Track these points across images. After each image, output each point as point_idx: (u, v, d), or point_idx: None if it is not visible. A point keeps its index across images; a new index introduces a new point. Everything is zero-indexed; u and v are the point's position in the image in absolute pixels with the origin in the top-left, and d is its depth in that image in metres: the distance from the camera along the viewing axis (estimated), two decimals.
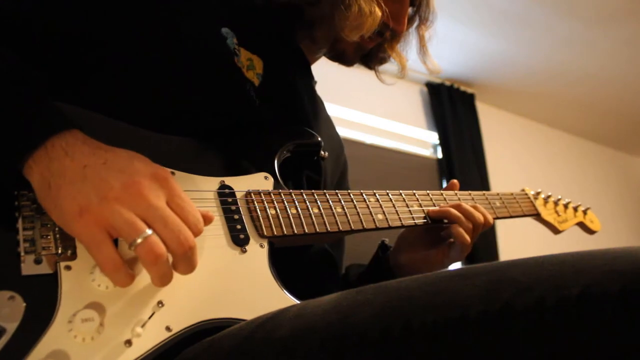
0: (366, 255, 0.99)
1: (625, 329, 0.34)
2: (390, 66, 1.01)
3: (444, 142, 3.41)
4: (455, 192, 0.93)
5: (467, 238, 0.85)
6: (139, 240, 0.47)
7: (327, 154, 0.84)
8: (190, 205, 0.52)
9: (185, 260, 0.51)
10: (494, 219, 0.93)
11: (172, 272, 0.51)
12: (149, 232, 0.47)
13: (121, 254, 0.48)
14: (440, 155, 3.42)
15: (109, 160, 0.51)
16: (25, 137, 0.50)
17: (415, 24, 0.95)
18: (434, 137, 3.48)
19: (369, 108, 3.20)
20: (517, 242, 2.88)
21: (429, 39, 0.97)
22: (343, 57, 0.91)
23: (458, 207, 0.86)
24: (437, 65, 0.98)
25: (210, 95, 0.73)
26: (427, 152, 3.46)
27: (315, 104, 0.95)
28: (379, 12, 0.79)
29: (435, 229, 0.90)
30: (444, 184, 3.34)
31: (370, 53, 0.95)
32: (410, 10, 0.92)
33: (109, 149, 0.53)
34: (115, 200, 0.48)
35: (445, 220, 0.86)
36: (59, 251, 0.51)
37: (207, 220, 0.55)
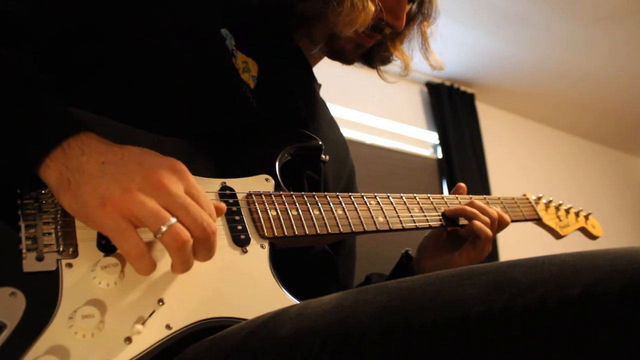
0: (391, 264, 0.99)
1: (626, 329, 0.34)
2: (391, 65, 1.00)
3: (444, 142, 3.41)
4: (456, 196, 0.93)
5: (489, 231, 0.86)
6: (164, 229, 0.48)
7: (327, 157, 0.84)
8: (205, 196, 0.54)
9: (207, 246, 0.52)
10: None
11: (192, 258, 0.52)
12: (174, 220, 0.48)
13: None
14: (440, 155, 3.42)
15: (125, 156, 0.52)
16: (44, 137, 0.51)
17: (418, 21, 0.94)
18: (434, 137, 3.48)
19: (369, 108, 3.19)
20: (517, 242, 2.88)
21: (430, 35, 0.96)
22: (342, 55, 0.91)
23: (472, 205, 0.89)
24: (440, 61, 0.98)
25: (208, 96, 0.73)
26: (427, 152, 3.46)
27: (315, 107, 0.94)
28: (372, 7, 0.79)
29: (454, 233, 0.92)
30: (444, 184, 3.34)
31: (372, 52, 0.94)
32: (413, 7, 0.92)
33: (123, 147, 0.54)
34: (137, 191, 0.49)
35: (461, 222, 0.89)
36: (61, 249, 0.51)
37: (220, 211, 0.57)
